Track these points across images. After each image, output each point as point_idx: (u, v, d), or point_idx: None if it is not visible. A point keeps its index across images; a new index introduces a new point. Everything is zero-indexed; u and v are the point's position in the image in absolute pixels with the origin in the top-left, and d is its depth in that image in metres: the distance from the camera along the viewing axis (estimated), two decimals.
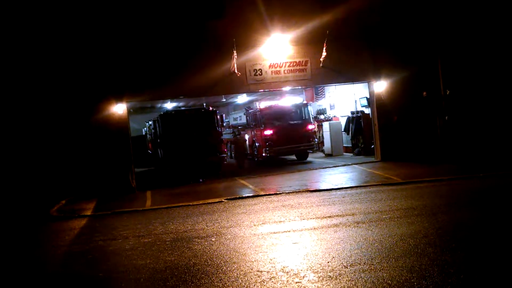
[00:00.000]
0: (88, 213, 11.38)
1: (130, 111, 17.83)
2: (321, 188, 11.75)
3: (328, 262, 5.67)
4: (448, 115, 15.67)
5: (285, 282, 5.16)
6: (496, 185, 10.26)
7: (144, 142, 25.16)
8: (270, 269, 5.64)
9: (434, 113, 15.82)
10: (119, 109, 14.38)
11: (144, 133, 26.41)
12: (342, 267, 5.44)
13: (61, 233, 9.38)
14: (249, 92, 18.13)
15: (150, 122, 22.78)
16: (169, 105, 23.68)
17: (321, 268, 5.49)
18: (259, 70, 15.20)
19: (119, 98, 14.32)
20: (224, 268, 5.84)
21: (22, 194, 12.98)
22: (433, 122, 15.85)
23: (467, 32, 15.65)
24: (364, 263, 5.52)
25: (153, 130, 20.94)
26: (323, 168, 15.83)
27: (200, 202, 11.19)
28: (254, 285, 5.14)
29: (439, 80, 15.67)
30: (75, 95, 14.05)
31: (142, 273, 5.99)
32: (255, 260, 6.05)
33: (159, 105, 23.59)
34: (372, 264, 5.44)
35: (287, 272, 5.47)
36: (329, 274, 5.26)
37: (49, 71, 13.89)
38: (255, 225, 8.23)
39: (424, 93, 15.88)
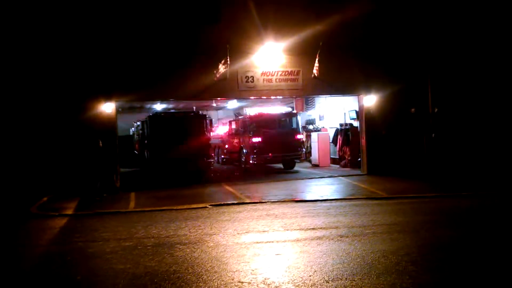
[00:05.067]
0: (69, 212, 11.19)
1: (118, 110, 17.63)
2: (306, 199, 11.75)
3: (309, 276, 5.65)
4: (435, 133, 15.87)
5: None
6: (477, 206, 10.39)
7: (131, 142, 24.90)
8: (251, 280, 5.59)
9: (422, 130, 16.00)
10: (107, 107, 14.23)
11: (131, 133, 26.14)
12: (323, 282, 5.42)
13: (40, 232, 9.21)
14: (240, 98, 18.13)
15: (138, 123, 22.57)
16: (159, 107, 23.52)
17: (302, 281, 5.47)
18: (251, 77, 15.19)
19: (108, 97, 14.17)
20: (205, 277, 5.77)
21: (3, 190, 12.70)
22: (420, 138, 16.02)
23: (457, 52, 15.95)
24: (346, 278, 5.51)
25: (141, 131, 20.74)
26: (310, 178, 15.85)
27: (185, 207, 11.09)
28: None
29: (428, 97, 15.87)
30: (63, 92, 13.85)
31: (121, 278, 5.89)
32: (236, 270, 6.00)
33: (148, 105, 23.43)
34: (354, 280, 5.43)
35: (268, 284, 5.43)
36: None
37: (37, 68, 13.68)
38: (238, 233, 8.18)
39: (413, 109, 16.06)
